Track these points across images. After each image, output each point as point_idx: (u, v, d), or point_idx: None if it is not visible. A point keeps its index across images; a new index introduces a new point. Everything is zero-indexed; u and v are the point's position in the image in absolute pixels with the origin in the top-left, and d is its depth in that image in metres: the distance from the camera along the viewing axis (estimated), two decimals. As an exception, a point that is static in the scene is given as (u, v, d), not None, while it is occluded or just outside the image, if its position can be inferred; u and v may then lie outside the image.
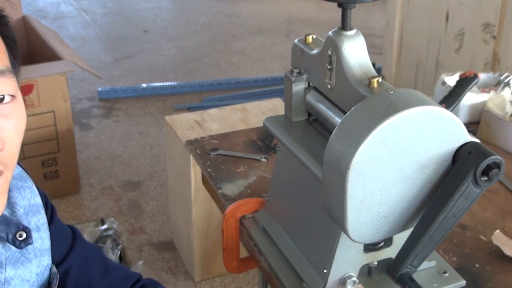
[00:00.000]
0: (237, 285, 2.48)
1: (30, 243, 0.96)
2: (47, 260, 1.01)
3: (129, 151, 3.38)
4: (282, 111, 1.21)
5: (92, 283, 1.11)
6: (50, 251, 1.02)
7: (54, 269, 1.02)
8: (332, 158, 0.91)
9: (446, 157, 0.93)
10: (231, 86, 4.10)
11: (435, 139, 0.91)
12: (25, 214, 1.00)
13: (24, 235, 0.95)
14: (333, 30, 1.04)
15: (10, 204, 0.98)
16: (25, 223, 0.98)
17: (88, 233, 2.16)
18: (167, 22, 5.30)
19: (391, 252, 1.07)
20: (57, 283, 1.00)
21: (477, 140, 0.93)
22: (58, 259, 1.07)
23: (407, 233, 0.97)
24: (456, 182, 0.90)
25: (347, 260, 1.04)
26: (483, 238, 1.26)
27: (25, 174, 1.04)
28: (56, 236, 1.05)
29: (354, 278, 1.05)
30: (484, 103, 1.63)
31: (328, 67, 1.05)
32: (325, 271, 1.05)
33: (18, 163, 0.94)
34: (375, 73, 1.01)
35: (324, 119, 1.11)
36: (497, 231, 1.25)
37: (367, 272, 1.10)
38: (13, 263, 0.96)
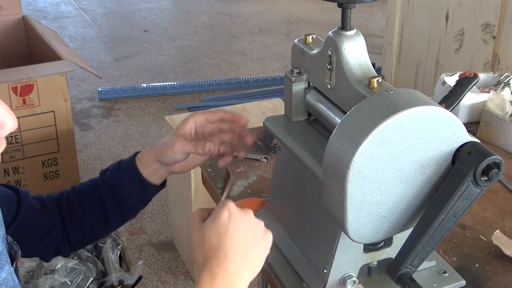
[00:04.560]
0: (237, 285, 2.48)
1: None
2: (1, 231, 0.97)
3: (129, 151, 3.38)
4: (282, 111, 1.21)
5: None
6: (1, 222, 0.98)
7: (10, 238, 0.99)
8: (332, 158, 0.91)
9: (446, 157, 0.93)
10: (231, 86, 4.10)
11: (435, 139, 0.91)
12: None
13: None
14: (333, 30, 1.04)
15: None
16: None
17: (88, 233, 2.16)
18: (167, 22, 5.30)
19: (391, 252, 1.07)
20: (19, 252, 0.98)
21: (477, 140, 0.93)
22: (9, 223, 1.08)
23: (407, 233, 0.97)
24: (456, 182, 0.90)
25: (347, 260, 1.04)
26: (483, 238, 1.26)
27: None
28: (2, 202, 1.04)
29: (354, 278, 1.05)
30: (484, 103, 1.63)
31: (328, 67, 1.05)
32: (325, 271, 1.05)
33: None
34: (375, 73, 1.01)
35: (324, 119, 1.11)
36: (497, 231, 1.25)
37: (367, 272, 1.10)
38: None
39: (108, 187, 1.17)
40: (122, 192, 1.16)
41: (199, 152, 1.11)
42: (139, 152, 1.19)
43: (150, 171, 1.16)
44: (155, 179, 1.17)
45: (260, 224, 0.99)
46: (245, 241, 0.94)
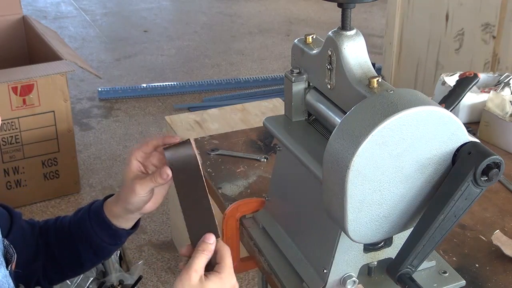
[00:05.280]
0: (237, 285, 2.48)
1: None
2: None
3: (129, 151, 3.37)
4: (282, 111, 1.21)
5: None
6: None
7: (6, 241, 0.99)
8: (332, 158, 0.91)
9: (446, 157, 0.93)
10: (231, 86, 4.10)
11: (435, 139, 0.91)
12: None
13: None
14: (333, 30, 1.04)
15: None
16: None
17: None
18: (167, 22, 5.30)
19: (391, 252, 1.07)
20: (15, 255, 0.97)
21: (477, 140, 0.93)
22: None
23: (407, 233, 0.97)
24: (456, 182, 0.90)
25: (347, 260, 1.04)
26: (483, 238, 1.26)
27: None
28: None
29: (354, 278, 1.05)
30: (484, 103, 1.63)
31: (328, 67, 1.05)
32: (325, 271, 1.05)
33: None
34: (375, 73, 1.01)
35: (324, 119, 1.11)
36: (497, 231, 1.25)
37: (367, 272, 1.10)
38: None
39: (79, 229, 1.15)
40: (93, 235, 1.13)
41: (160, 182, 1.04)
42: (109, 196, 1.15)
43: (119, 220, 1.13)
44: (126, 225, 1.15)
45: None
46: None
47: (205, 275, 0.95)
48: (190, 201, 1.02)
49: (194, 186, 1.02)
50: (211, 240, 0.99)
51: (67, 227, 1.17)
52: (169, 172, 1.03)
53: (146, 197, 1.08)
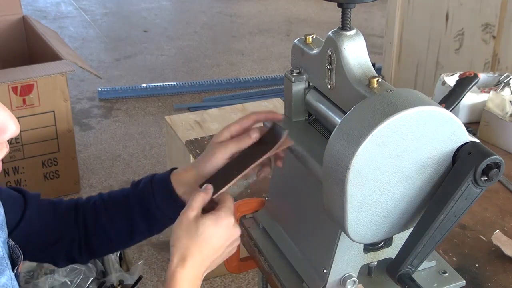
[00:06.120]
0: (237, 285, 2.48)
1: None
2: (2, 235, 0.97)
3: (129, 151, 3.38)
4: (282, 111, 1.21)
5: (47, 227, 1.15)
6: (4, 225, 0.98)
7: (12, 242, 0.98)
8: (332, 158, 0.91)
9: (446, 157, 0.93)
10: (231, 86, 4.10)
11: (435, 139, 0.91)
12: None
13: None
14: (333, 30, 1.04)
15: None
16: None
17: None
18: (167, 22, 5.30)
19: (391, 252, 1.07)
20: (21, 256, 0.97)
21: (477, 140, 0.93)
22: (13, 226, 1.07)
23: (407, 233, 0.97)
24: (456, 182, 0.90)
25: (347, 260, 1.04)
26: (483, 238, 1.26)
27: None
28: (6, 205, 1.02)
29: (354, 278, 1.05)
30: (484, 103, 1.63)
31: (328, 67, 1.05)
32: (325, 271, 1.05)
33: None
34: (375, 73, 1.01)
35: (324, 119, 1.11)
36: (497, 231, 1.25)
37: (367, 272, 1.10)
38: None
39: (138, 200, 1.15)
40: (153, 207, 1.14)
41: (246, 142, 1.08)
42: (175, 168, 1.16)
43: (185, 190, 1.13)
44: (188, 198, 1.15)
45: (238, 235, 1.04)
46: (221, 254, 1.02)
47: (202, 214, 1.00)
48: (239, 160, 1.08)
49: (255, 154, 1.07)
50: (209, 188, 1.03)
51: (121, 200, 1.16)
52: (256, 134, 1.08)
53: (221, 162, 1.10)
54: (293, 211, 1.17)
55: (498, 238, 1.22)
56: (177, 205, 1.12)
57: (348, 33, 1.02)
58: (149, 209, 1.14)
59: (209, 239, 0.99)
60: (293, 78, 1.14)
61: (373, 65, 1.03)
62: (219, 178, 1.07)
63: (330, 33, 1.04)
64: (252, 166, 1.06)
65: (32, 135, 2.74)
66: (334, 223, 0.98)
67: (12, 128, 0.78)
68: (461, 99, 1.11)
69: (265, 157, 1.06)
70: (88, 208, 1.18)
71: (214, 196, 1.03)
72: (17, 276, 0.95)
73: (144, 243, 2.69)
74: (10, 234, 1.03)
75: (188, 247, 0.98)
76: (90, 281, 1.97)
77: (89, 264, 2.03)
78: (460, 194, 0.90)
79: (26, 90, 2.67)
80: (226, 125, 1.15)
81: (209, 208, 1.02)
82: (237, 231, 1.03)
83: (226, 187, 1.05)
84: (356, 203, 0.91)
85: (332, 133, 0.92)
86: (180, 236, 0.99)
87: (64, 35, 4.67)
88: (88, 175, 3.15)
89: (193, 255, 0.98)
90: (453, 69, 2.08)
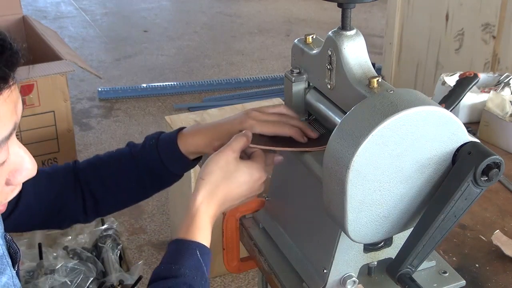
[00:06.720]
0: (237, 285, 2.48)
1: None
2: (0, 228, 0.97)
3: (129, 151, 3.37)
4: (282, 111, 1.21)
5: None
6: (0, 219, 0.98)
7: (9, 236, 0.98)
8: (332, 158, 0.91)
9: (446, 157, 0.93)
10: (231, 86, 4.10)
11: (435, 139, 0.91)
12: None
13: None
14: (333, 30, 1.04)
15: None
16: None
17: (88, 233, 2.16)
18: (167, 22, 5.30)
19: (391, 252, 1.07)
20: (20, 252, 0.97)
21: (477, 140, 0.93)
22: (10, 210, 1.08)
23: (407, 233, 0.97)
24: (456, 182, 0.90)
25: (347, 260, 1.04)
26: (483, 238, 1.26)
27: None
28: None
29: (354, 278, 1.05)
30: (484, 103, 1.63)
31: (328, 67, 1.05)
32: (325, 271, 1.05)
33: None
34: (375, 73, 1.01)
35: (324, 119, 1.11)
36: (497, 231, 1.25)
37: (367, 272, 1.10)
38: None
39: (143, 159, 1.16)
40: (157, 165, 1.16)
41: (289, 132, 1.10)
42: (182, 128, 1.17)
43: (192, 151, 1.15)
44: (194, 156, 1.18)
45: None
46: (239, 202, 1.07)
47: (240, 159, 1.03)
48: (279, 138, 1.11)
49: (297, 143, 1.11)
50: (250, 134, 1.06)
51: (128, 157, 1.18)
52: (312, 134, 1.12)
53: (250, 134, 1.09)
54: (293, 211, 1.17)
55: (498, 238, 1.22)
56: (185, 164, 1.16)
57: (348, 33, 1.02)
58: (154, 167, 1.16)
59: (240, 185, 1.02)
60: (293, 78, 1.14)
61: (373, 65, 1.03)
62: (255, 138, 1.08)
63: (330, 33, 1.04)
64: (296, 149, 1.09)
65: (32, 135, 2.74)
66: (334, 223, 0.98)
67: (28, 167, 0.78)
68: (461, 99, 1.11)
69: (307, 149, 1.09)
70: (87, 169, 1.21)
71: (252, 145, 1.05)
72: (17, 274, 0.95)
73: (144, 243, 2.69)
74: (8, 217, 1.04)
75: (218, 185, 1.01)
76: (90, 281, 1.97)
77: (89, 264, 2.03)
78: (460, 194, 0.90)
79: (26, 90, 2.67)
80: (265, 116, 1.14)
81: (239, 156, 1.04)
82: (261, 189, 1.07)
83: (266, 147, 1.07)
84: (356, 203, 0.91)
85: (332, 133, 0.92)
86: (213, 172, 1.01)
87: (64, 35, 4.67)
88: (88, 175, 3.15)
89: (221, 195, 1.01)
90: (453, 69, 2.08)
